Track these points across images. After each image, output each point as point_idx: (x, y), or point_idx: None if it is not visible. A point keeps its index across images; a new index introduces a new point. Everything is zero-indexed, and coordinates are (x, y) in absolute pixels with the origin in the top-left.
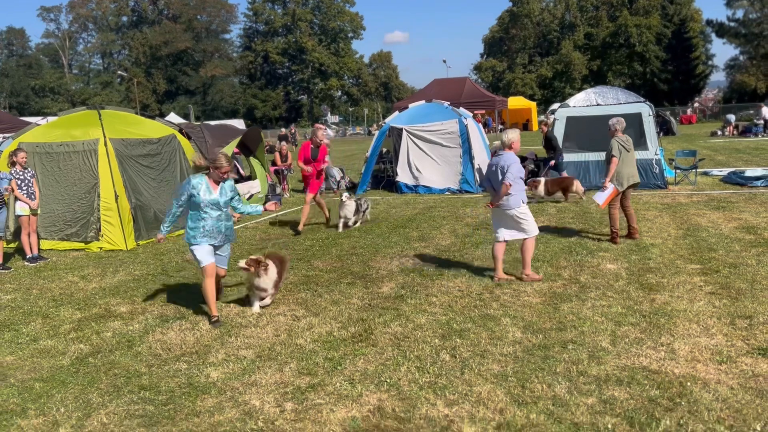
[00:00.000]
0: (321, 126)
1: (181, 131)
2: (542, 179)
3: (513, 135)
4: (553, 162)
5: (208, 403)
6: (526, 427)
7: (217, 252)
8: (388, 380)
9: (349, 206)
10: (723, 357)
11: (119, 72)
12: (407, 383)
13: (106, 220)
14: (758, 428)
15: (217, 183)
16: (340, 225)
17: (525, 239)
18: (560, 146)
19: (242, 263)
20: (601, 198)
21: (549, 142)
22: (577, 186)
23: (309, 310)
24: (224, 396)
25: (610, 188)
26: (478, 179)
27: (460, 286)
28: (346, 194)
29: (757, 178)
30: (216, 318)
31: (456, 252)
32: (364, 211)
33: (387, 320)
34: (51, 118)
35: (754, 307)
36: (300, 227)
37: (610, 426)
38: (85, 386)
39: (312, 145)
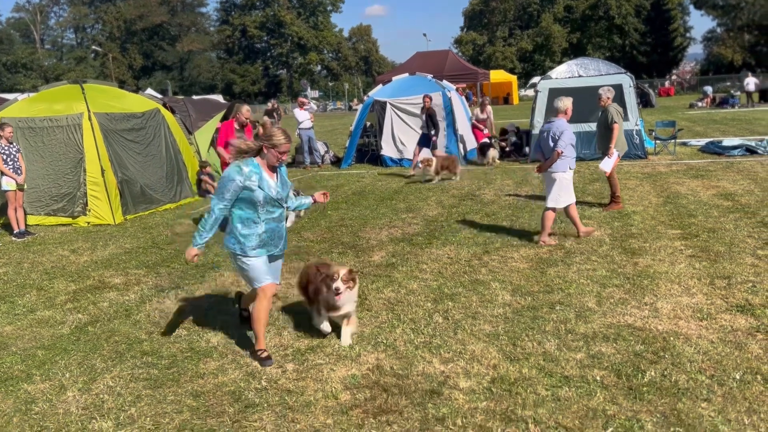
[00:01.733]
0: (245, 106)
1: (164, 105)
2: (434, 158)
3: (567, 102)
4: (434, 139)
5: (211, 366)
6: (519, 381)
7: (272, 263)
8: (385, 341)
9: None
10: (703, 314)
11: (93, 47)
12: (403, 343)
13: (92, 194)
14: (737, 377)
15: (273, 170)
16: (288, 222)
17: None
18: (439, 124)
19: (339, 283)
20: (608, 165)
21: (430, 119)
22: (458, 167)
23: None
24: (226, 359)
25: (615, 155)
26: (462, 151)
27: (449, 254)
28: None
29: (734, 148)
30: (266, 354)
31: (443, 222)
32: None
33: (380, 287)
34: (30, 94)
35: (732, 268)
36: None
37: (598, 378)
38: (87, 353)
39: (236, 125)
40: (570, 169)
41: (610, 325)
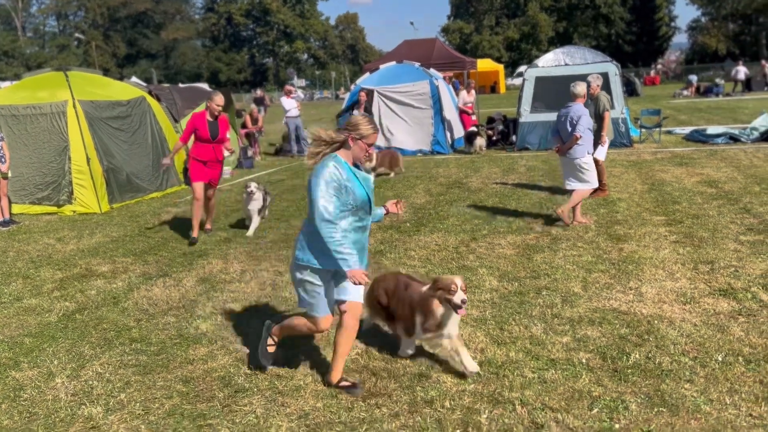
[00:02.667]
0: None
1: (150, 93)
2: (375, 151)
3: (584, 87)
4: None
5: (201, 352)
6: (506, 364)
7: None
8: (374, 327)
9: (258, 199)
10: (687, 298)
11: (76, 35)
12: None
13: (78, 183)
14: (719, 358)
15: (357, 166)
16: (252, 227)
17: (571, 188)
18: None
19: (460, 295)
20: (602, 154)
21: (366, 112)
22: (400, 164)
23: None
24: (215, 345)
25: (607, 142)
26: (449, 140)
27: (437, 241)
28: (254, 184)
29: (718, 136)
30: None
31: (431, 210)
32: (266, 207)
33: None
34: (13, 82)
35: (715, 254)
36: (195, 233)
37: (584, 360)
38: (75, 340)
39: (209, 117)
40: (588, 153)
41: (595, 309)
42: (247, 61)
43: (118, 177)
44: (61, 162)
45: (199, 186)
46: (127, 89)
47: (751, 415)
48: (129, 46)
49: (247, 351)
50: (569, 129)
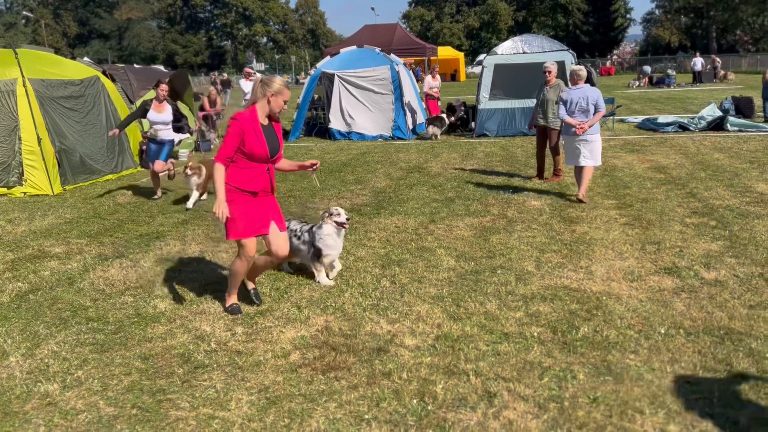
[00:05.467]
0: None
1: (104, 73)
2: (202, 166)
3: (586, 71)
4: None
5: (159, 330)
6: (462, 338)
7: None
8: (333, 305)
9: (195, 177)
10: (634, 276)
11: (24, 12)
12: (351, 306)
13: (29, 164)
14: (662, 331)
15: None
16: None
17: (589, 165)
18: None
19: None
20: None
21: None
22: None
23: None
24: (174, 324)
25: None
26: (410, 125)
27: (397, 223)
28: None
29: (668, 124)
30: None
31: (391, 193)
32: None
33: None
34: None
35: (661, 235)
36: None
37: (536, 334)
38: (29, 320)
39: (261, 121)
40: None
41: (547, 286)
42: (204, 44)
43: (71, 158)
44: (10, 142)
45: (251, 243)
46: (80, 68)
47: (689, 382)
48: (80, 26)
49: (206, 329)
50: (591, 108)
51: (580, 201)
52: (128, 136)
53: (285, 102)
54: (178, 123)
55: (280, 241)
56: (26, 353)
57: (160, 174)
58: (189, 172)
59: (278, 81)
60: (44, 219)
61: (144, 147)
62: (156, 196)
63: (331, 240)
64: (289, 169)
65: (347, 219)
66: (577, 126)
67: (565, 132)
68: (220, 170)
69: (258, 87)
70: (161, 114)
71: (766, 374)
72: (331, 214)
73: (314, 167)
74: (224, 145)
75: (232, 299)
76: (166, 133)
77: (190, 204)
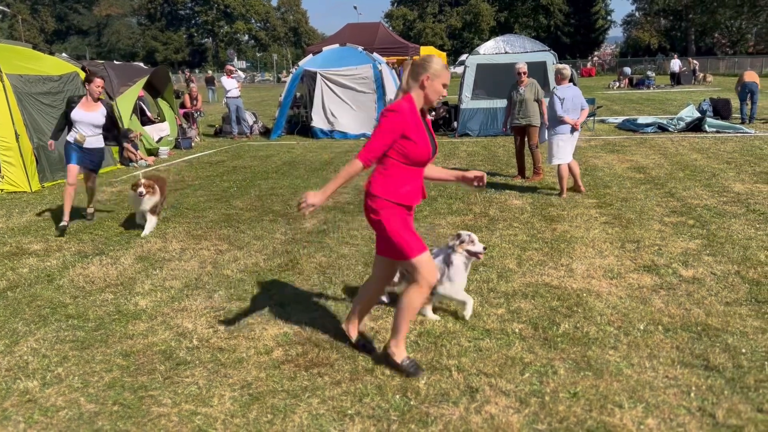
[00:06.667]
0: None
1: (83, 69)
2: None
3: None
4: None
5: (140, 327)
6: (444, 334)
7: None
8: (317, 302)
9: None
10: (614, 273)
11: (0, 7)
12: (334, 304)
13: (6, 160)
14: (641, 327)
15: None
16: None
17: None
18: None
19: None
20: (542, 138)
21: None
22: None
23: (233, 245)
24: (156, 321)
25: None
26: None
27: None
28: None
29: (647, 125)
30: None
31: None
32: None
33: (311, 252)
34: None
35: (641, 234)
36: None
37: (517, 330)
38: (7, 317)
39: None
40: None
41: (528, 284)
42: (185, 41)
43: (49, 155)
44: None
45: (432, 264)
46: (59, 64)
47: (667, 376)
48: (58, 22)
49: (188, 326)
50: (580, 107)
51: (580, 191)
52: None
53: (445, 86)
54: (109, 132)
55: (432, 264)
56: (5, 350)
57: (72, 188)
58: (142, 190)
59: (436, 61)
60: (22, 216)
61: (125, 144)
62: (63, 223)
63: (460, 275)
64: (438, 177)
65: (484, 248)
66: (575, 123)
67: (560, 131)
68: (355, 166)
69: (407, 71)
70: (89, 113)
71: (741, 369)
72: (462, 241)
73: (480, 183)
74: (375, 142)
75: (403, 349)
76: (96, 140)
77: (147, 231)
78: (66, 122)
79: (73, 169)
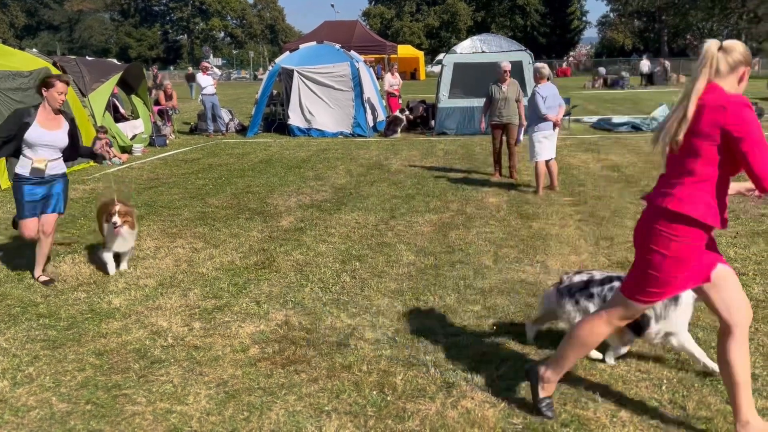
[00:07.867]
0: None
1: (54, 64)
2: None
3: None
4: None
5: (114, 326)
6: (421, 331)
7: None
8: (293, 299)
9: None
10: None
11: None
12: (311, 301)
13: None
14: None
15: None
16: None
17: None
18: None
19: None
20: (521, 137)
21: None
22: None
23: (208, 243)
24: (129, 319)
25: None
26: (371, 122)
27: (357, 219)
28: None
29: (622, 125)
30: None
31: (352, 190)
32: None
33: (288, 249)
34: None
35: (614, 230)
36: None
37: (493, 326)
38: None
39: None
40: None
41: (505, 280)
42: (159, 38)
43: None
44: None
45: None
46: (30, 60)
47: (639, 370)
48: (29, 17)
49: (163, 325)
50: (558, 104)
51: (554, 190)
52: (80, 130)
53: None
54: (71, 151)
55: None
56: None
57: (31, 236)
58: (117, 220)
59: (739, 45)
60: None
61: (98, 142)
62: (44, 278)
63: (685, 316)
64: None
65: None
66: (557, 120)
67: (542, 128)
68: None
69: (720, 56)
70: (51, 132)
71: (711, 360)
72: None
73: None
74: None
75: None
76: (57, 165)
77: (123, 265)
78: (15, 147)
79: (31, 224)
